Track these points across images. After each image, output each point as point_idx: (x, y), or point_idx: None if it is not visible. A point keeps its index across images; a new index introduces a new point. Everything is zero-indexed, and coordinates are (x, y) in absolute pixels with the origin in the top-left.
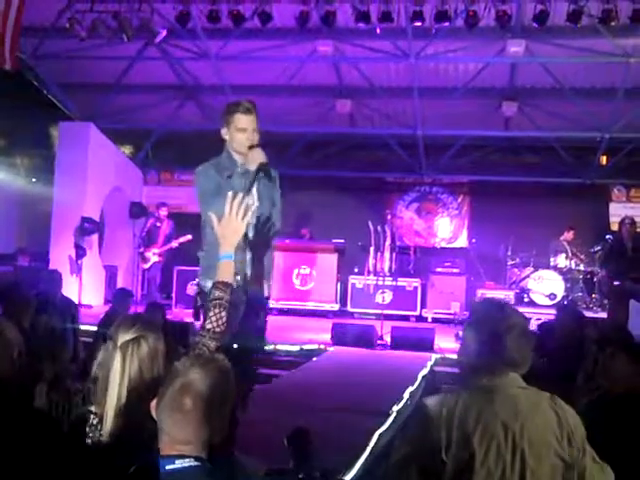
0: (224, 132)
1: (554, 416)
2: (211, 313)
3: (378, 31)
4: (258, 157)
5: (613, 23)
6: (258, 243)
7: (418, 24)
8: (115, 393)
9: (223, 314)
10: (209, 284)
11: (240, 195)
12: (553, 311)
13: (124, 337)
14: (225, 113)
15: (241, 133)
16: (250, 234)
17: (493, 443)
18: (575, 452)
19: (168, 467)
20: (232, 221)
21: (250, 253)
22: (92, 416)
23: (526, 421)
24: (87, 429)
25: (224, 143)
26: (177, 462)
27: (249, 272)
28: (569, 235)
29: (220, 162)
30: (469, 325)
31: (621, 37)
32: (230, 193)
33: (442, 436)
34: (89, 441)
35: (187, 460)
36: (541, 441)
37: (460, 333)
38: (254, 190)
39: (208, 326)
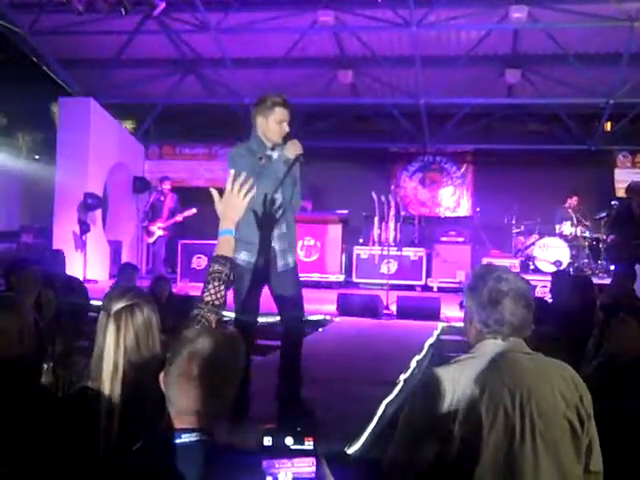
0: (260, 121)
1: (562, 381)
2: (210, 286)
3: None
4: (296, 148)
5: None
6: (286, 219)
7: None
8: (111, 365)
9: (222, 287)
10: (241, 255)
11: (243, 174)
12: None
13: (117, 306)
14: (263, 104)
15: (279, 125)
16: (279, 212)
17: (500, 410)
18: (584, 416)
19: (174, 442)
20: (233, 198)
21: (279, 229)
22: (90, 392)
23: (533, 386)
24: (85, 405)
25: (253, 128)
26: (184, 436)
27: (278, 246)
28: (573, 201)
29: (250, 146)
30: (468, 292)
31: (625, 1)
32: (232, 171)
33: (449, 405)
34: (88, 417)
35: (194, 434)
36: (549, 405)
37: (463, 301)
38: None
39: (207, 298)
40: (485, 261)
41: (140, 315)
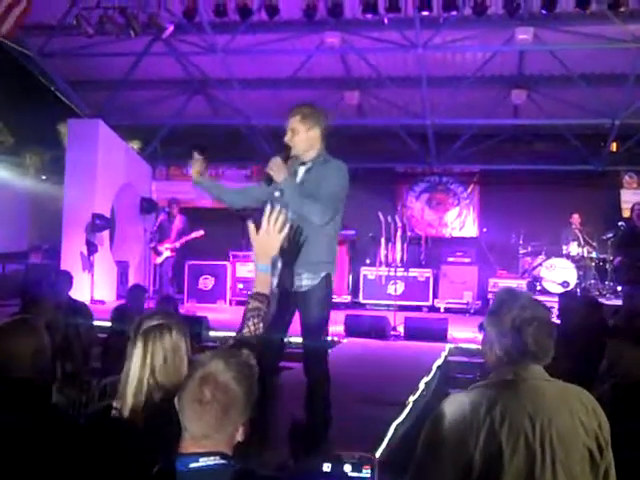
0: None
1: (582, 408)
2: (250, 322)
3: (385, 21)
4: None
5: (622, 9)
6: (300, 237)
7: (426, 13)
8: (134, 386)
9: (260, 325)
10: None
11: (277, 208)
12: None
13: (146, 328)
14: None
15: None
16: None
17: (521, 437)
18: (603, 443)
19: (192, 465)
20: (269, 234)
21: (288, 246)
22: (113, 411)
23: (553, 413)
24: (106, 424)
25: None
26: (201, 460)
27: (281, 264)
28: (576, 219)
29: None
30: (490, 316)
31: (630, 23)
32: (268, 207)
33: (471, 432)
34: (109, 436)
35: (212, 458)
36: (569, 433)
37: (484, 325)
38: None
39: (247, 334)
40: (492, 282)
41: (169, 337)
